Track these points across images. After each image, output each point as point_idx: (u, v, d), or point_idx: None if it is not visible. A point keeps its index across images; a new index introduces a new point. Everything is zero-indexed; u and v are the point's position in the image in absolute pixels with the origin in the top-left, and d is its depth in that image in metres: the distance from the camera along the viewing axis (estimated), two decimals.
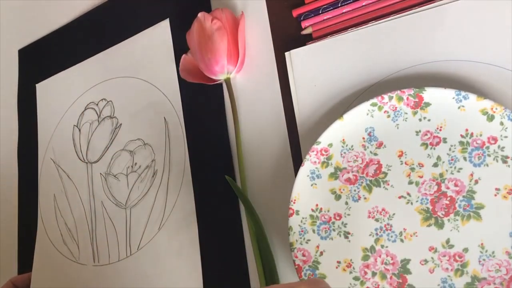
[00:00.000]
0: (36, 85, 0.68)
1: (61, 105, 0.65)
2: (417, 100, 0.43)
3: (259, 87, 0.52)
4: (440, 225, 0.41)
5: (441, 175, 0.42)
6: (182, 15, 0.58)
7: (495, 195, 0.40)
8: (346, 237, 0.44)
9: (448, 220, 0.41)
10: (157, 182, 0.55)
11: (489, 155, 0.40)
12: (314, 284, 0.33)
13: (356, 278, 0.43)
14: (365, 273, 0.43)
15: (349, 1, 0.48)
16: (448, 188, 0.41)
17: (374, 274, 0.42)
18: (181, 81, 0.56)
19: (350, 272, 0.43)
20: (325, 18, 0.49)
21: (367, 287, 0.42)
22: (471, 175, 0.41)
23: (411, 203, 0.42)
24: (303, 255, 0.44)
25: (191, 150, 0.54)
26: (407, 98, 0.43)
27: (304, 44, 0.50)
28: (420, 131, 0.43)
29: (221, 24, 0.50)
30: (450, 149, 0.42)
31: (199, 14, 0.50)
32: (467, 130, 0.41)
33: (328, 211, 0.45)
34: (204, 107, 0.54)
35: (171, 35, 0.58)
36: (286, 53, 0.50)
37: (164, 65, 0.57)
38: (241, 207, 0.50)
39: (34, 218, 0.62)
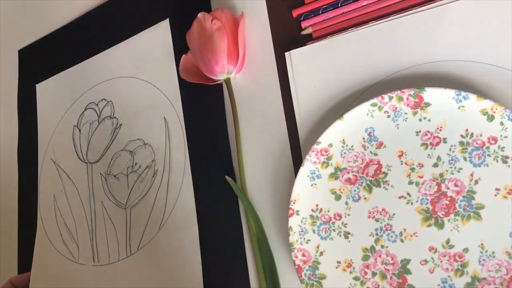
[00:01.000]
0: (36, 85, 0.68)
1: (61, 105, 0.65)
2: (417, 100, 0.43)
3: (259, 87, 0.52)
4: (440, 225, 0.41)
5: (441, 175, 0.42)
6: (182, 15, 0.58)
7: (495, 195, 0.40)
8: (346, 237, 0.44)
9: (448, 220, 0.41)
10: (157, 182, 0.55)
11: (489, 155, 0.40)
12: None
13: (356, 278, 0.43)
14: (365, 273, 0.43)
15: (349, 1, 0.48)
16: (448, 188, 0.41)
17: (374, 274, 0.42)
18: (181, 81, 0.56)
19: (350, 272, 0.43)
20: (325, 18, 0.49)
21: (367, 287, 0.42)
22: (471, 175, 0.41)
23: (411, 203, 0.42)
24: (303, 255, 0.44)
25: (191, 150, 0.54)
26: (407, 98, 0.43)
27: (304, 44, 0.50)
28: (420, 131, 0.43)
29: (221, 24, 0.50)
30: (450, 149, 0.42)
31: (199, 14, 0.50)
32: (467, 130, 0.41)
33: (328, 211, 0.45)
34: (204, 107, 0.54)
35: (171, 35, 0.58)
36: (286, 53, 0.50)
37: (164, 65, 0.57)
38: (241, 207, 0.50)
39: (34, 218, 0.62)
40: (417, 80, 0.44)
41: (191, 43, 0.52)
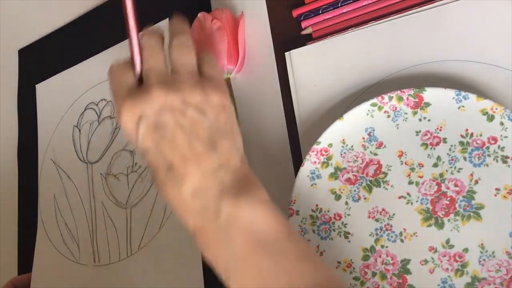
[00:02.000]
0: (36, 85, 0.68)
1: (61, 106, 0.65)
2: (417, 100, 0.43)
3: (259, 87, 0.52)
4: (440, 225, 0.41)
5: (441, 175, 0.42)
6: (181, 15, 0.58)
7: (495, 195, 0.40)
8: (346, 237, 0.44)
9: (448, 220, 0.41)
10: None
11: (489, 155, 0.40)
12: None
13: (356, 278, 0.43)
14: (365, 273, 0.43)
15: (349, 1, 0.48)
16: (448, 188, 0.41)
17: (374, 274, 0.42)
18: None
19: (350, 272, 0.43)
20: (325, 18, 0.49)
21: (367, 287, 0.42)
22: (471, 175, 0.41)
23: (411, 203, 0.42)
24: None
25: None
26: (407, 98, 0.43)
27: (304, 44, 0.50)
28: (420, 131, 0.43)
29: (221, 24, 0.50)
30: (450, 149, 0.42)
31: (199, 14, 0.50)
32: (467, 130, 0.41)
33: (328, 211, 0.45)
34: None
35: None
36: (286, 53, 0.50)
37: None
38: None
39: (34, 218, 0.62)
40: (417, 80, 0.44)
41: None
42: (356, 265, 0.43)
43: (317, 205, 0.45)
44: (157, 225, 0.53)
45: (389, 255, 0.42)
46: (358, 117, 0.44)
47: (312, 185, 0.45)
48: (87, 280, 0.56)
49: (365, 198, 0.44)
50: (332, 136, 0.45)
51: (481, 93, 0.42)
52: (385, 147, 0.44)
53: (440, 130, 0.42)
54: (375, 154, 0.44)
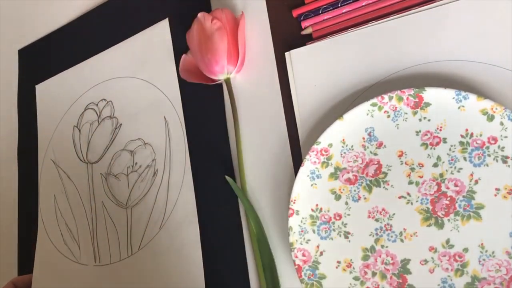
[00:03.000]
0: (36, 86, 0.68)
1: (61, 106, 0.65)
2: (417, 100, 0.43)
3: (259, 87, 0.52)
4: (440, 225, 0.41)
5: (441, 175, 0.42)
6: (182, 15, 0.58)
7: (495, 195, 0.40)
8: (346, 237, 0.44)
9: (448, 220, 0.41)
10: (158, 182, 0.55)
11: (489, 155, 0.40)
12: None
13: (356, 278, 0.43)
14: (365, 273, 0.43)
15: (349, 1, 0.48)
16: (448, 188, 0.41)
17: (374, 274, 0.42)
18: (181, 81, 0.56)
19: (350, 272, 0.43)
20: (325, 18, 0.49)
21: (367, 287, 0.42)
22: (471, 175, 0.41)
23: (411, 203, 0.42)
24: (303, 255, 0.44)
25: (191, 149, 0.54)
26: (407, 98, 0.43)
27: (304, 44, 0.50)
28: (420, 131, 0.43)
29: (221, 24, 0.50)
30: (450, 149, 0.42)
31: (199, 14, 0.50)
32: (467, 130, 0.41)
33: (328, 211, 0.45)
34: (204, 107, 0.54)
35: (170, 35, 0.58)
36: (286, 53, 0.50)
37: (164, 65, 0.57)
38: (241, 207, 0.50)
39: (34, 218, 0.62)
40: (417, 80, 0.44)
41: (191, 43, 0.52)
42: (356, 265, 0.43)
43: (317, 205, 0.45)
44: (157, 225, 0.53)
45: (389, 255, 0.42)
46: (358, 117, 0.44)
47: (312, 185, 0.45)
48: (87, 280, 0.56)
49: (365, 198, 0.44)
50: (332, 136, 0.45)
51: (481, 93, 0.42)
52: (385, 147, 0.44)
53: (440, 130, 0.42)
54: (375, 154, 0.44)
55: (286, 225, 0.46)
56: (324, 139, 0.45)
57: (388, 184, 0.43)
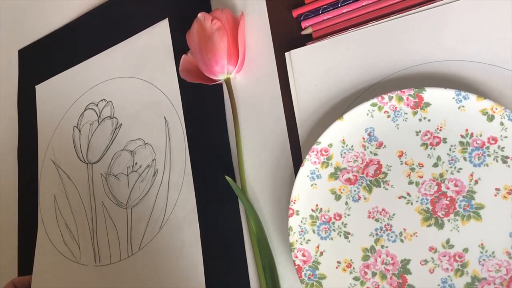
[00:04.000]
0: (36, 86, 0.68)
1: (61, 106, 0.65)
2: (417, 100, 0.43)
3: (259, 87, 0.52)
4: (440, 225, 0.41)
5: (441, 175, 0.42)
6: (181, 15, 0.58)
7: (495, 195, 0.40)
8: (346, 237, 0.44)
9: (448, 220, 0.41)
10: (158, 182, 0.55)
11: (489, 155, 0.40)
12: None
13: (356, 278, 0.43)
14: (365, 273, 0.43)
15: (349, 1, 0.48)
16: (448, 188, 0.41)
17: (374, 274, 0.42)
18: (181, 81, 0.56)
19: (350, 272, 0.43)
20: (325, 18, 0.49)
21: (367, 287, 0.42)
22: (471, 175, 0.41)
23: (411, 203, 0.42)
24: (303, 255, 0.44)
25: (191, 149, 0.54)
26: (407, 98, 0.43)
27: (304, 44, 0.50)
28: (420, 131, 0.43)
29: (221, 24, 0.50)
30: (450, 149, 0.42)
31: (199, 14, 0.50)
32: (467, 130, 0.41)
33: (328, 211, 0.45)
34: (204, 107, 0.54)
35: (170, 35, 0.58)
36: (286, 53, 0.50)
37: (164, 65, 0.57)
38: (241, 207, 0.50)
39: (34, 219, 0.62)
40: (417, 80, 0.44)
41: (191, 43, 0.52)
42: (356, 265, 0.43)
43: (317, 205, 0.45)
44: (157, 225, 0.53)
45: (389, 255, 0.42)
46: (358, 117, 0.44)
47: (312, 185, 0.45)
48: (88, 280, 0.56)
49: (365, 198, 0.44)
50: (332, 136, 0.45)
51: (481, 93, 0.42)
52: (385, 147, 0.44)
53: (440, 130, 0.42)
54: (375, 154, 0.44)
55: (286, 225, 0.46)
56: (324, 139, 0.45)
57: (388, 184, 0.43)
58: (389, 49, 0.46)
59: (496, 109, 0.40)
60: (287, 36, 0.52)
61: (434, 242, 0.41)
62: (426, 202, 0.42)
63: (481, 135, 0.41)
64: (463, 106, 0.41)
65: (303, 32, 0.50)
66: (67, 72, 0.65)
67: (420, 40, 0.45)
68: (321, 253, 0.44)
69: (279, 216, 0.48)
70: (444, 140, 0.42)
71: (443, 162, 0.42)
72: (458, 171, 0.41)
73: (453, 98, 0.41)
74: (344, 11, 0.48)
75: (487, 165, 0.40)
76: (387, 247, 0.42)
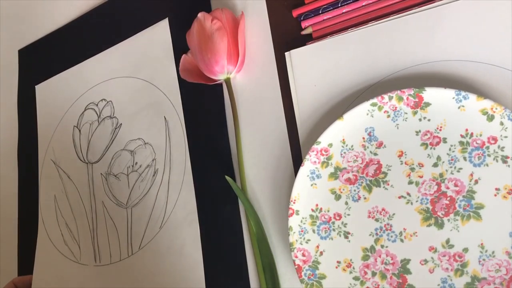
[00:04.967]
0: (36, 86, 0.68)
1: (61, 106, 0.65)
2: (417, 100, 0.43)
3: (259, 87, 0.52)
4: (440, 225, 0.41)
5: (441, 175, 0.42)
6: (181, 15, 0.58)
7: (495, 195, 0.40)
8: (346, 237, 0.44)
9: (448, 220, 0.41)
10: (158, 181, 0.55)
11: (489, 155, 0.40)
12: None
13: (356, 278, 0.43)
14: (365, 273, 0.43)
15: (349, 1, 0.48)
16: (448, 188, 0.41)
17: (374, 274, 0.42)
18: (181, 81, 0.56)
19: (350, 272, 0.43)
20: (325, 18, 0.49)
21: (367, 287, 0.42)
22: (471, 175, 0.41)
23: (411, 203, 0.42)
24: (303, 255, 0.44)
25: (191, 149, 0.54)
26: (407, 98, 0.43)
27: (304, 44, 0.50)
28: (420, 131, 0.43)
29: (221, 24, 0.50)
30: (450, 149, 0.42)
31: (199, 14, 0.50)
32: (467, 130, 0.41)
33: (328, 211, 0.45)
34: (204, 107, 0.54)
35: (170, 35, 0.58)
36: (286, 53, 0.50)
37: (164, 65, 0.57)
38: (241, 207, 0.50)
39: (34, 219, 0.62)
40: (417, 80, 0.44)
41: (191, 43, 0.52)
42: (356, 265, 0.43)
43: (317, 205, 0.45)
44: (157, 225, 0.53)
45: (389, 255, 0.42)
46: (358, 117, 0.44)
47: (312, 185, 0.45)
48: (88, 280, 0.56)
49: (365, 198, 0.44)
50: (332, 136, 0.45)
51: (481, 93, 0.42)
52: (385, 147, 0.44)
53: (440, 130, 0.42)
54: (375, 154, 0.44)
55: (286, 225, 0.46)
56: (324, 139, 0.45)
57: (388, 184, 0.43)
58: (389, 49, 0.46)
59: (496, 109, 0.40)
60: (287, 36, 0.52)
61: (434, 242, 0.41)
62: (426, 202, 0.42)
63: (481, 135, 0.41)
64: (463, 106, 0.41)
65: (303, 32, 0.50)
66: (67, 72, 0.65)
67: (420, 40, 0.45)
68: (321, 253, 0.44)
69: (279, 216, 0.48)
70: (444, 140, 0.42)
71: (443, 162, 0.42)
72: (458, 171, 0.41)
73: (453, 98, 0.41)
74: (344, 11, 0.48)
75: (487, 165, 0.40)
76: (387, 247, 0.42)
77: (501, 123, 0.40)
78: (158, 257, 0.52)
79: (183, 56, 0.55)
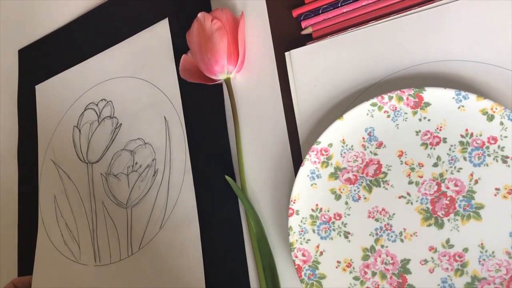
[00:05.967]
0: (36, 86, 0.68)
1: (61, 106, 0.65)
2: (417, 100, 0.43)
3: (259, 87, 0.52)
4: (440, 225, 0.41)
5: (441, 175, 0.42)
6: (181, 15, 0.58)
7: (495, 195, 0.40)
8: (346, 237, 0.44)
9: (448, 220, 0.41)
10: (158, 181, 0.55)
11: (489, 155, 0.40)
12: None
13: (356, 278, 0.43)
14: (365, 273, 0.43)
15: (349, 1, 0.48)
16: (448, 188, 0.41)
17: (374, 274, 0.42)
18: (181, 81, 0.56)
19: (350, 272, 0.43)
20: (325, 18, 0.49)
21: (367, 287, 0.42)
22: (471, 175, 0.41)
23: (411, 203, 0.42)
24: (303, 255, 0.44)
25: (191, 149, 0.54)
26: (407, 98, 0.43)
27: (304, 44, 0.50)
28: (420, 131, 0.43)
29: (221, 24, 0.50)
30: (450, 149, 0.42)
31: (199, 14, 0.50)
32: (467, 130, 0.41)
33: (328, 211, 0.45)
34: (204, 107, 0.54)
35: (170, 35, 0.58)
36: (286, 53, 0.50)
37: (164, 64, 0.57)
38: (241, 207, 0.50)
39: (34, 219, 0.62)
40: (417, 80, 0.44)
41: (191, 43, 0.52)
42: (356, 265, 0.43)
43: (317, 204, 0.45)
44: (157, 225, 0.53)
45: (389, 255, 0.42)
46: (358, 117, 0.44)
47: (312, 185, 0.45)
48: (88, 280, 0.56)
49: (365, 198, 0.44)
50: (332, 136, 0.45)
51: (481, 93, 0.42)
52: (385, 147, 0.44)
53: (440, 130, 0.42)
54: (375, 154, 0.44)
55: (286, 225, 0.46)
56: (324, 139, 0.45)
57: (388, 184, 0.43)
58: (389, 49, 0.46)
59: (496, 109, 0.40)
60: (287, 36, 0.52)
61: (434, 242, 0.41)
62: (426, 202, 0.42)
63: (481, 135, 0.41)
64: (463, 106, 0.41)
65: (303, 32, 0.50)
66: (67, 72, 0.65)
67: (420, 40, 0.45)
68: (321, 253, 0.44)
69: (279, 216, 0.48)
70: (444, 140, 0.42)
71: (443, 162, 0.42)
72: (458, 171, 0.41)
73: (453, 98, 0.41)
74: (344, 11, 0.48)
75: (487, 165, 0.40)
76: (387, 246, 0.42)
77: (501, 123, 0.40)
78: (158, 257, 0.52)
79: (183, 56, 0.55)
